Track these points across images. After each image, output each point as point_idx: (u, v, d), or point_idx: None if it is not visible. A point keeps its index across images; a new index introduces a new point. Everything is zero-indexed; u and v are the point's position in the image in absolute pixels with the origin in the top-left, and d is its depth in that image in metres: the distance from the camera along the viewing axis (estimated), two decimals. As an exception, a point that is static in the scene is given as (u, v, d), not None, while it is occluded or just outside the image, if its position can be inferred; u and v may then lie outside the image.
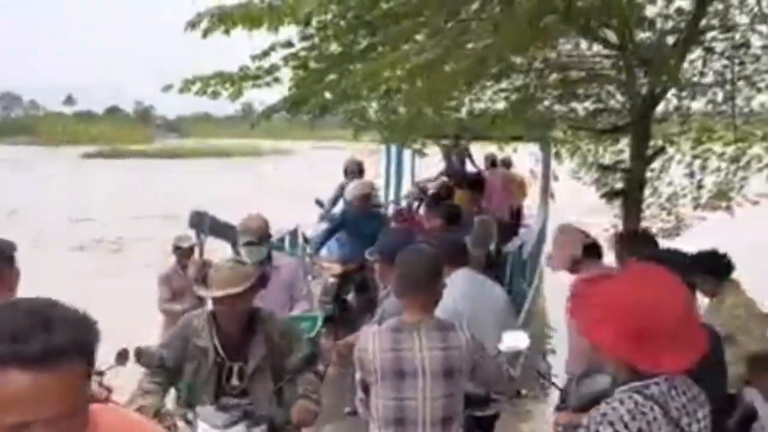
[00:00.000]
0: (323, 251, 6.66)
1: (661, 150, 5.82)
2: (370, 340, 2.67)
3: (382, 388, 2.61)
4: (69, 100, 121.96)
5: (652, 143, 5.80)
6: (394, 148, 10.93)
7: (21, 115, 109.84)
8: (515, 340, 3.17)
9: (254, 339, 3.11)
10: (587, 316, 1.83)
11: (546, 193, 9.91)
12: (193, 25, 4.03)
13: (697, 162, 7.31)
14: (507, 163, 10.32)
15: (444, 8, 3.60)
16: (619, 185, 5.44)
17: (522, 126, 6.18)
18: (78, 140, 72.03)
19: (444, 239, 4.24)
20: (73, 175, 32.78)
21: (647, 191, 7.69)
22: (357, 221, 6.30)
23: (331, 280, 6.28)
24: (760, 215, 8.31)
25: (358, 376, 2.77)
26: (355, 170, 8.14)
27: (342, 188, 8.05)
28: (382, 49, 4.55)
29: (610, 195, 5.44)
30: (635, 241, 3.78)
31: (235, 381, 3.11)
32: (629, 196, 5.29)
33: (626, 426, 1.62)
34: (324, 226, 7.24)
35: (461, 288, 3.59)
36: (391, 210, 10.87)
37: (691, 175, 7.40)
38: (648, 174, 7.32)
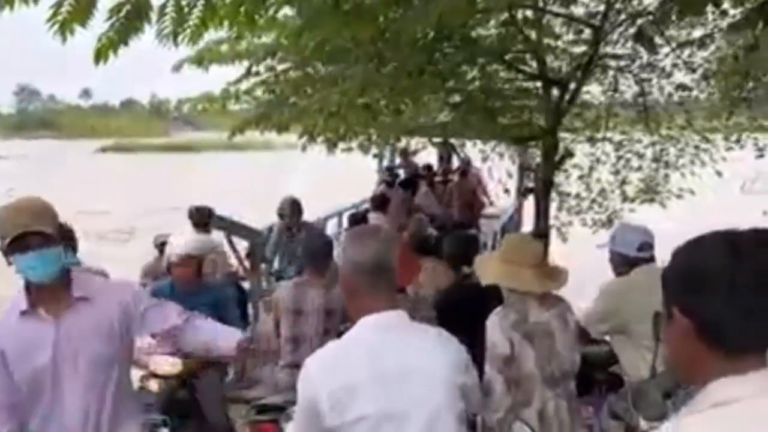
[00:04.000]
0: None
1: (568, 156, 6.98)
2: (283, 291, 4.14)
3: (287, 321, 4.05)
4: (85, 93, 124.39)
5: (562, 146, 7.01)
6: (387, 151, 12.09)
7: (39, 109, 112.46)
8: None
9: None
10: None
11: (521, 186, 11.08)
12: (177, 68, 5.30)
13: (621, 162, 8.54)
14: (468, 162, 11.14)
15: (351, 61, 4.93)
16: (531, 185, 6.59)
17: (463, 133, 7.34)
18: (96, 134, 74.21)
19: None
20: (88, 169, 34.45)
21: (580, 188, 9.01)
22: (184, 299, 3.51)
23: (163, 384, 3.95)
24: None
25: (274, 317, 4.16)
26: (291, 212, 6.66)
27: (276, 230, 6.93)
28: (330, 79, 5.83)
29: (523, 192, 6.61)
30: None
31: None
32: (537, 193, 6.49)
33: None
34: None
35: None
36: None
37: (616, 173, 8.63)
38: (579, 172, 8.67)
